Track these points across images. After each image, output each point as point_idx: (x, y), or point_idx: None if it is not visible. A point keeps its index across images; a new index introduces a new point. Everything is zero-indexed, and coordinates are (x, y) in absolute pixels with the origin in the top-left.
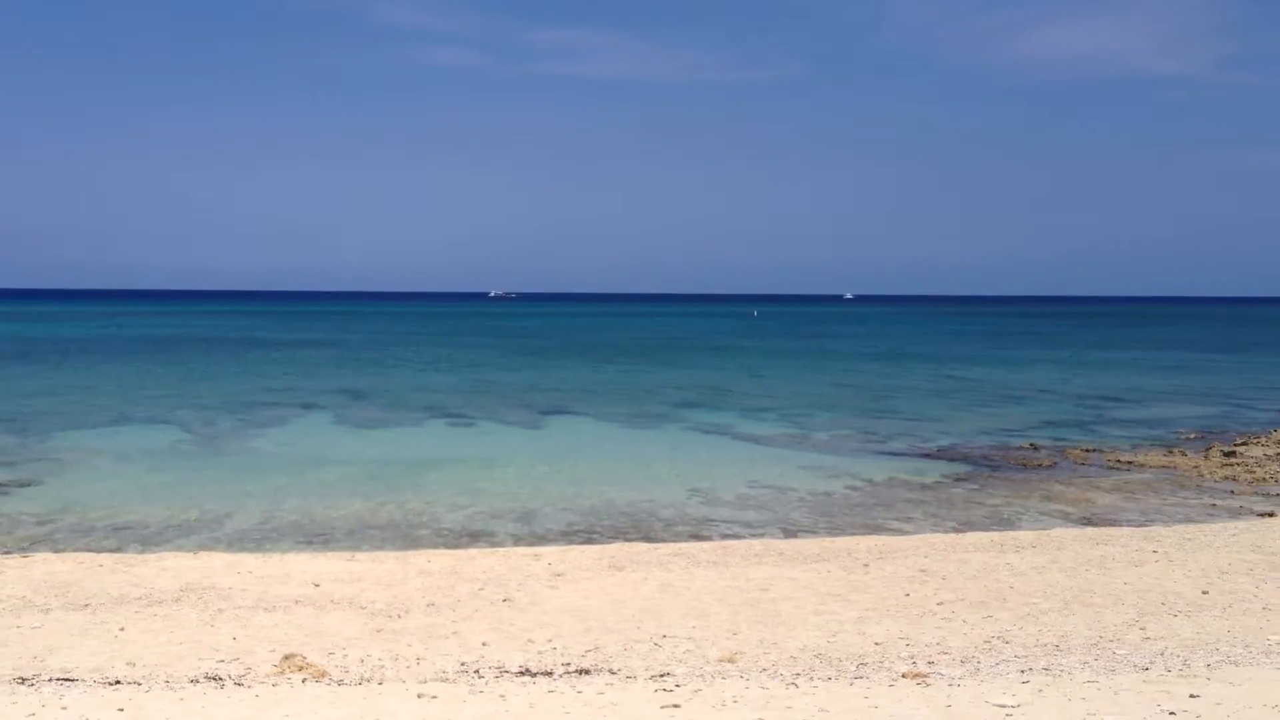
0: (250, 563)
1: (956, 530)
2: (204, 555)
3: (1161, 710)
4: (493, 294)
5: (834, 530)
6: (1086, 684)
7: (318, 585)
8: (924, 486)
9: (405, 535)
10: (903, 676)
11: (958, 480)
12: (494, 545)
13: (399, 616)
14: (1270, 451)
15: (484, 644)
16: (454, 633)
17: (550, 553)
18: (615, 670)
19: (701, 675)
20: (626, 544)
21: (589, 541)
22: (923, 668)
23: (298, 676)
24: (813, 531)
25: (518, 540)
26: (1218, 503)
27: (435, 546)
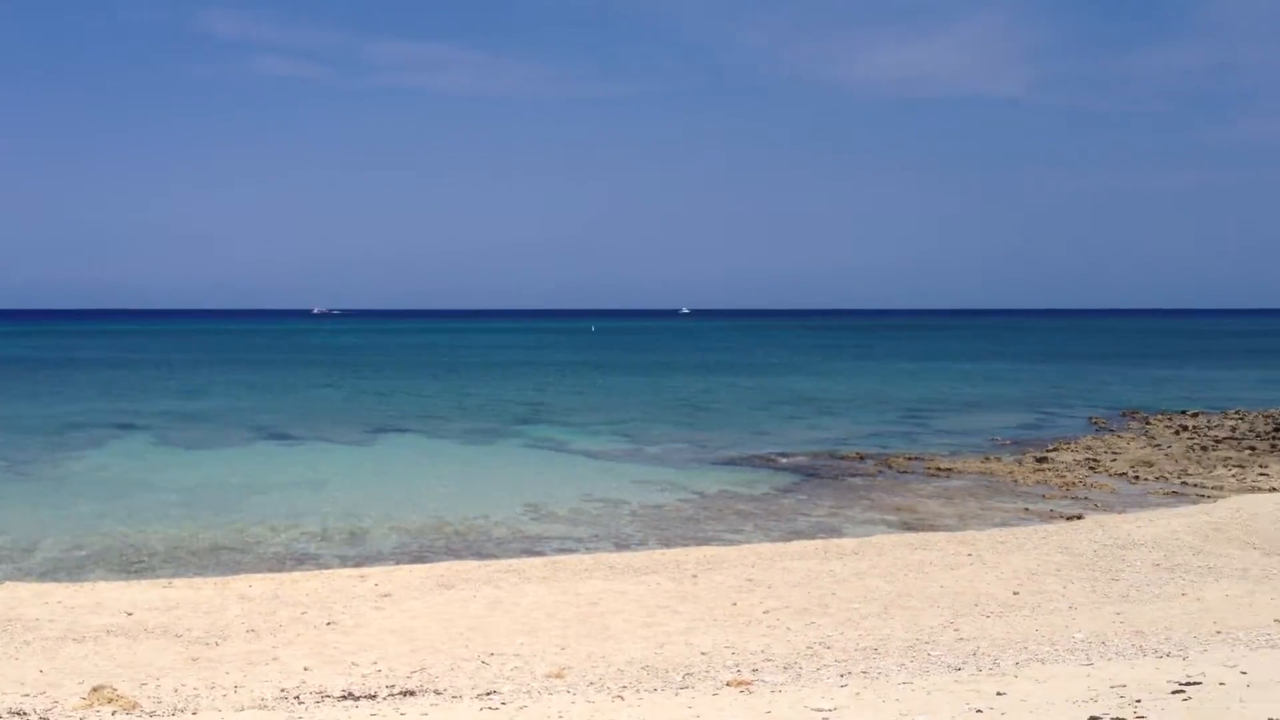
0: (59, 592)
1: (783, 539)
2: (9, 586)
3: (970, 708)
4: (316, 311)
5: (665, 542)
6: (902, 685)
7: (131, 614)
8: (753, 497)
9: (226, 561)
10: (727, 685)
11: (786, 490)
12: (320, 568)
13: (217, 644)
14: (1079, 457)
15: (306, 669)
16: (274, 659)
17: (377, 573)
18: (441, 690)
19: (528, 692)
20: (457, 562)
21: (419, 560)
22: (747, 675)
23: (107, 709)
24: (644, 544)
25: (344, 562)
26: (1030, 507)
27: (258, 571)
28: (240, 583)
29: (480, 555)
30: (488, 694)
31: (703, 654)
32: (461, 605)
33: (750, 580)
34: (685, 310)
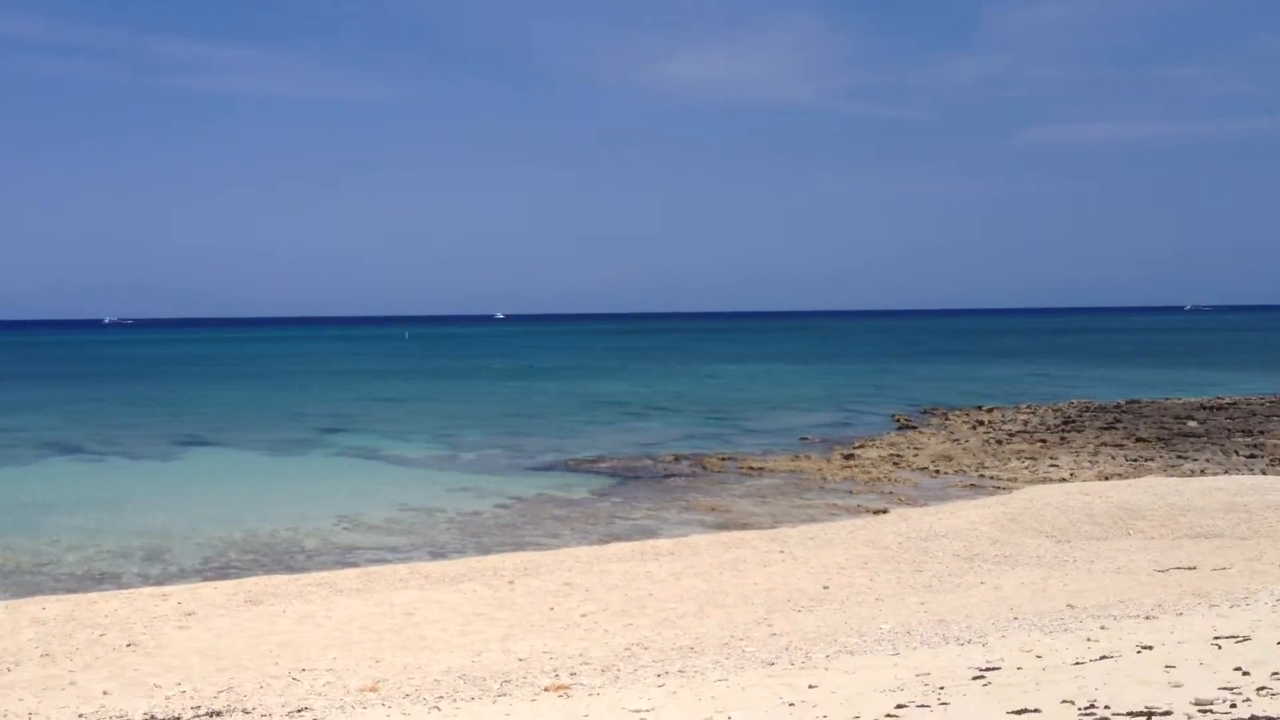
0: None
1: (601, 542)
2: None
3: (783, 702)
4: (107, 321)
5: (482, 550)
6: (717, 682)
7: None
8: (570, 501)
9: (18, 583)
10: (545, 690)
11: (602, 493)
12: (120, 587)
13: (8, 670)
14: (884, 453)
15: (105, 693)
16: (71, 683)
17: (180, 591)
18: (249, 709)
19: (341, 707)
20: (265, 576)
21: (225, 576)
22: (565, 680)
23: None
24: (460, 552)
25: (146, 580)
26: (838, 502)
27: (53, 593)
28: (33, 605)
29: (290, 569)
30: (299, 711)
31: (520, 660)
32: (270, 621)
33: (568, 584)
34: (500, 315)
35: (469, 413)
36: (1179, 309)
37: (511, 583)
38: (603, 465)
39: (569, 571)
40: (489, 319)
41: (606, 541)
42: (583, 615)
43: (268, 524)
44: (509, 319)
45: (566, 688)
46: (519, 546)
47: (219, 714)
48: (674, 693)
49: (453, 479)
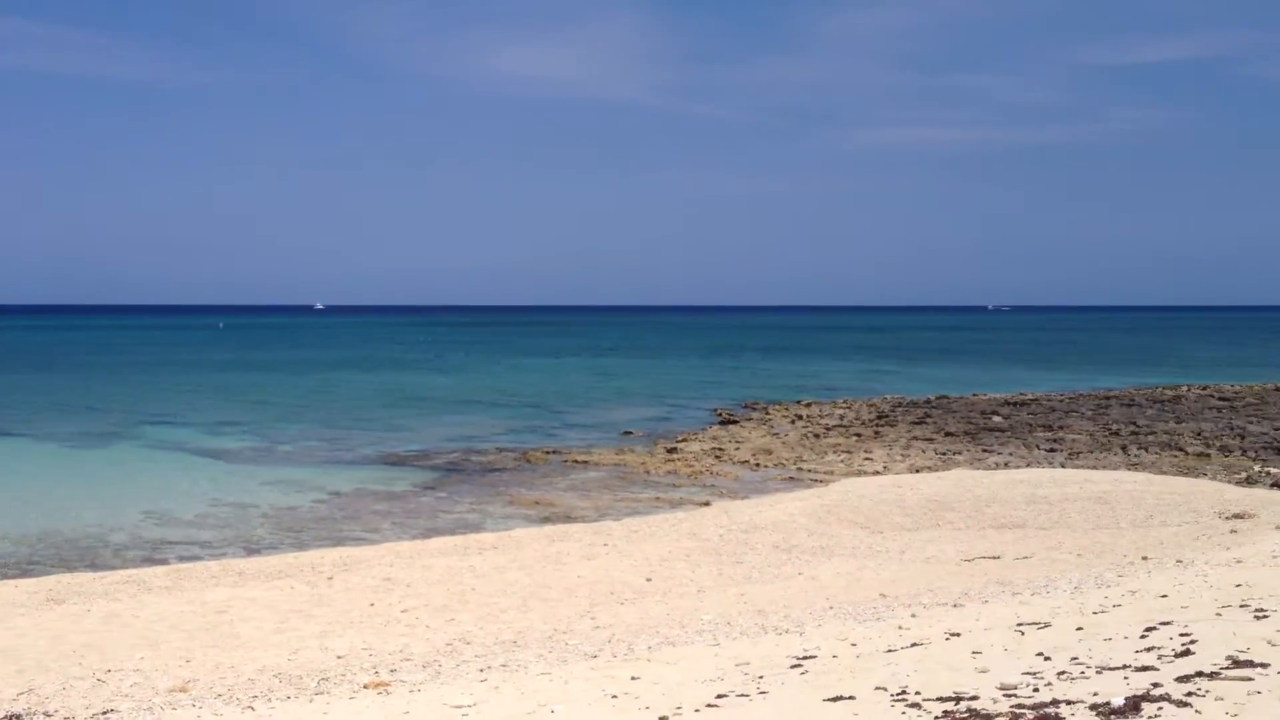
0: None
1: (422, 536)
2: None
3: (605, 694)
4: None
5: (299, 545)
6: (540, 676)
7: None
8: (391, 495)
9: None
10: (364, 687)
11: (425, 487)
12: None
13: None
14: (706, 446)
15: None
16: None
17: None
18: (51, 712)
19: (149, 709)
20: (69, 574)
21: (25, 574)
22: (385, 676)
23: None
24: (276, 548)
25: None
26: (662, 496)
27: None
28: None
29: (95, 566)
30: (104, 713)
31: (339, 657)
32: (74, 620)
33: (388, 580)
34: (319, 306)
35: (286, 405)
36: (982, 309)
37: (330, 579)
38: (425, 459)
39: (389, 567)
40: (308, 310)
41: (428, 536)
42: (404, 611)
43: (71, 520)
44: (329, 310)
45: (386, 684)
46: (338, 542)
47: (18, 717)
48: (496, 687)
49: (268, 473)
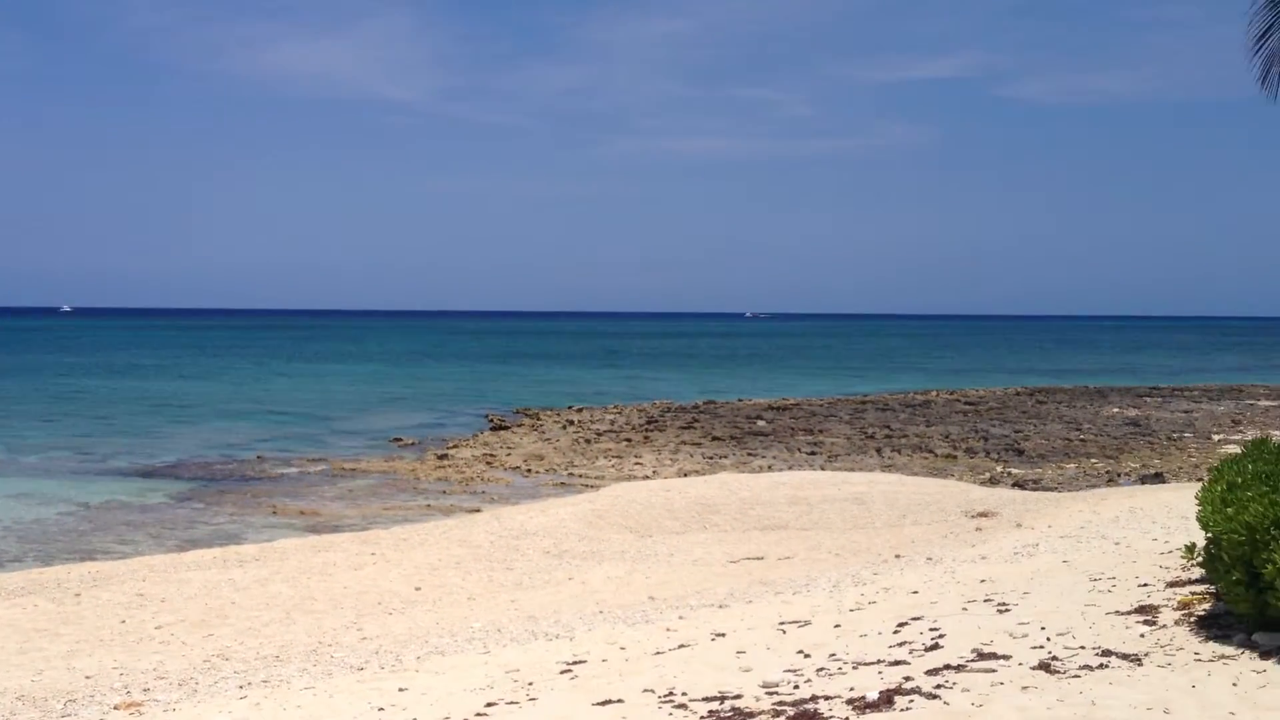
0: None
1: (179, 549)
2: None
3: (372, 707)
4: None
5: (44, 560)
6: (304, 691)
7: None
8: (145, 507)
9: None
10: (115, 708)
11: (182, 498)
12: None
13: None
14: (478, 453)
15: None
16: None
17: None
18: None
19: None
20: None
21: None
22: (137, 696)
23: None
24: (20, 563)
25: None
26: (432, 503)
27: None
28: None
29: None
30: None
31: (88, 678)
32: None
33: (141, 595)
34: (66, 308)
35: (28, 413)
36: (741, 315)
37: (78, 595)
38: (182, 468)
39: (143, 582)
40: (54, 312)
41: (185, 548)
42: (158, 627)
43: None
44: (78, 312)
45: (139, 705)
46: (87, 556)
47: None
48: (257, 704)
49: (11, 484)
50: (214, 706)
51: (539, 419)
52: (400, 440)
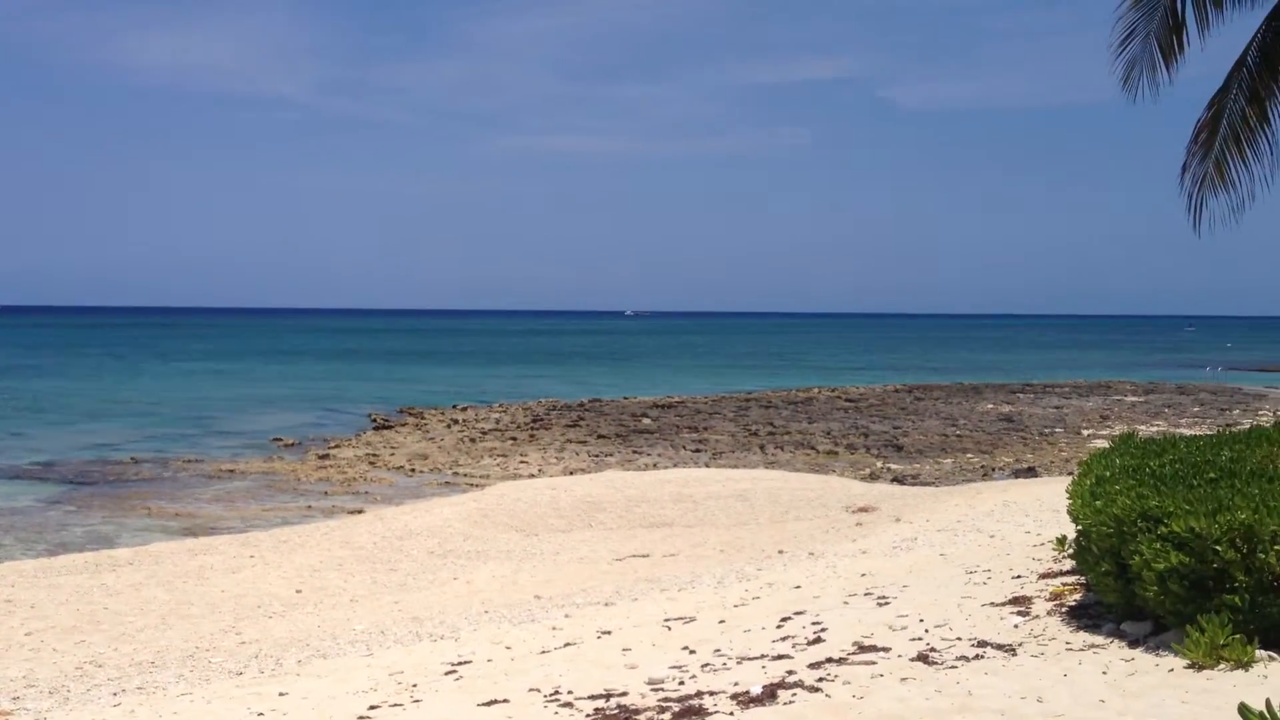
0: None
1: (49, 554)
2: None
3: (251, 712)
4: None
5: None
6: (180, 697)
7: None
8: (13, 510)
9: None
10: None
11: (51, 501)
12: None
13: None
14: (360, 453)
15: None
16: None
17: None
18: None
19: None
20: None
21: None
22: (7, 705)
23: None
24: None
25: None
26: (314, 504)
27: None
28: None
29: None
30: None
31: None
32: None
33: (10, 601)
34: None
35: None
36: (621, 313)
37: None
38: (51, 470)
39: (11, 588)
40: None
41: (55, 553)
42: (27, 634)
43: None
44: None
45: (8, 714)
46: None
47: None
48: (131, 711)
49: None
50: (87, 714)
51: (423, 418)
52: (280, 440)
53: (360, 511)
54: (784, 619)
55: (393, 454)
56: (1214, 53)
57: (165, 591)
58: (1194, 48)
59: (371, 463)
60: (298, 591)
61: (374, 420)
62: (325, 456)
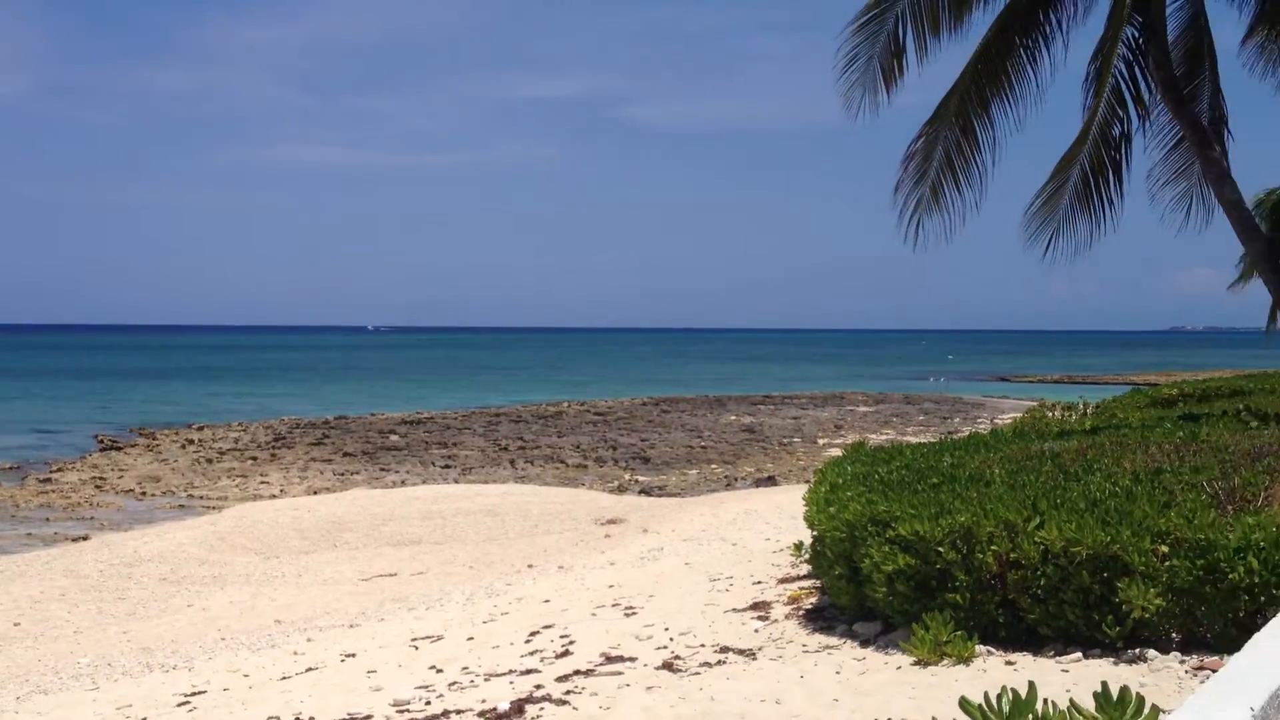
0: None
1: None
2: None
3: None
4: None
5: None
6: None
7: None
8: None
9: None
10: None
11: None
12: None
13: None
14: (86, 476)
15: None
16: None
17: None
18: None
19: None
20: None
21: None
22: None
23: None
24: None
25: None
26: (33, 532)
27: None
28: None
29: None
30: None
31: None
32: None
33: None
34: None
35: None
36: (363, 328)
37: None
38: None
39: None
40: None
41: None
42: None
43: None
44: None
45: None
46: None
47: None
48: None
49: None
50: None
51: (155, 439)
52: None
53: (85, 538)
54: (533, 633)
55: (121, 476)
56: (929, 79)
57: None
58: (912, 73)
59: (98, 486)
60: (15, 625)
61: (101, 442)
62: (47, 480)
